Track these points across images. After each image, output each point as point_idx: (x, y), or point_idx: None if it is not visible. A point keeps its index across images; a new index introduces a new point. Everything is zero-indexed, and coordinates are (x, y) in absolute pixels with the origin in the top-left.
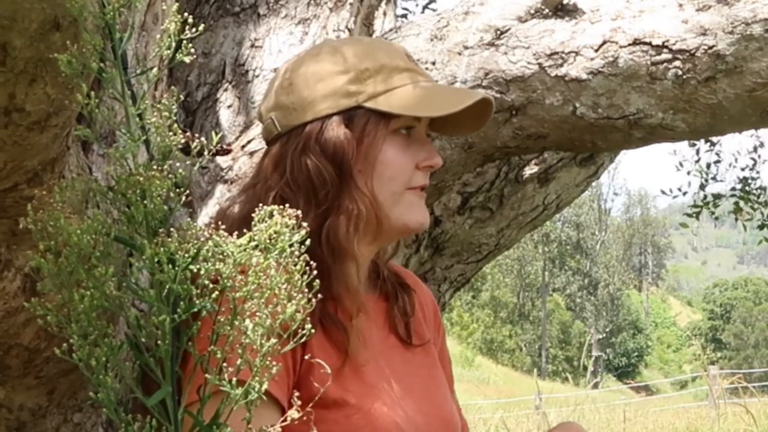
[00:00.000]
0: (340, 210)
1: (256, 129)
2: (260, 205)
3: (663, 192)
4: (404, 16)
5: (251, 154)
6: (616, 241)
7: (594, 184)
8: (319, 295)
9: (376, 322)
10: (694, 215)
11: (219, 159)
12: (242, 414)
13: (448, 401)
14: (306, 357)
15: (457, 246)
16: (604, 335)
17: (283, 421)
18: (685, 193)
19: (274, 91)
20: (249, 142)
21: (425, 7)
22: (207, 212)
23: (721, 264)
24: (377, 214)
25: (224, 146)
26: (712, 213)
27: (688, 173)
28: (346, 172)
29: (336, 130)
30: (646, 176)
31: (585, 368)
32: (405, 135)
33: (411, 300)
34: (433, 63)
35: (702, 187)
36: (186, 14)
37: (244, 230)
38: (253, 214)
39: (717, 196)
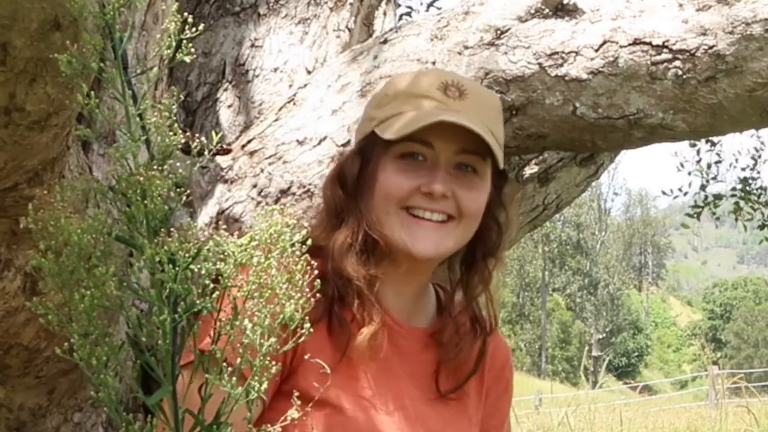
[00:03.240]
0: (342, 229)
1: (256, 128)
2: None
3: (664, 192)
4: (408, 14)
5: (251, 153)
6: (616, 240)
7: (594, 183)
8: (318, 295)
9: (403, 353)
10: (695, 215)
11: (219, 159)
12: (244, 413)
13: None
14: (306, 357)
15: None
16: (604, 335)
17: (283, 421)
18: (686, 194)
19: None
20: (249, 141)
21: (429, 5)
22: (207, 212)
23: (721, 264)
24: (378, 233)
25: (224, 146)
26: (714, 213)
27: (689, 174)
28: (350, 194)
29: (349, 156)
30: (646, 176)
31: (586, 368)
32: (414, 161)
33: (479, 360)
34: (434, 63)
35: (703, 187)
36: (186, 14)
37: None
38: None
39: (718, 196)
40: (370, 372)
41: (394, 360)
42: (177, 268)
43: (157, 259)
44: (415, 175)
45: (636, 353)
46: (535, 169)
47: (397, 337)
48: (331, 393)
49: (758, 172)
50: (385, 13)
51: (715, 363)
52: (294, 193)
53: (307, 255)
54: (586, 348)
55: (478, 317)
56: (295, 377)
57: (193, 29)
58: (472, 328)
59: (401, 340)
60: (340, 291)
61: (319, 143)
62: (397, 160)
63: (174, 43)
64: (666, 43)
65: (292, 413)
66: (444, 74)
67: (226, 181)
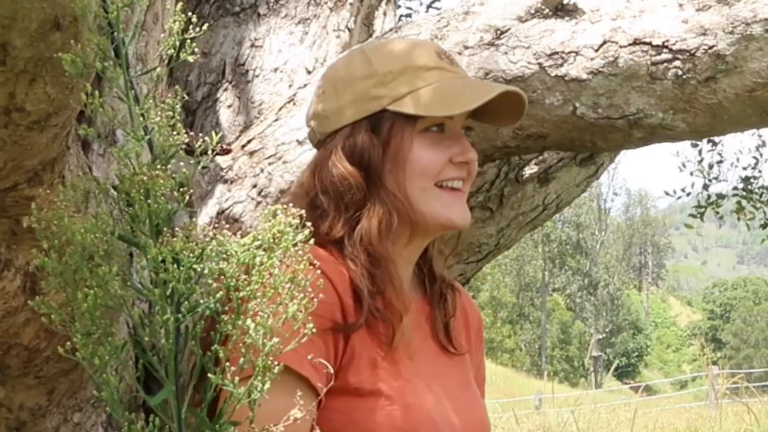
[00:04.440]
0: (371, 213)
1: (256, 128)
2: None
3: (667, 193)
4: (408, 15)
5: (251, 153)
6: (616, 240)
7: (594, 184)
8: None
9: (417, 324)
10: (698, 215)
11: (219, 159)
12: (277, 402)
13: (484, 409)
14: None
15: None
16: (604, 335)
17: (285, 421)
18: (688, 194)
19: (313, 100)
20: (249, 141)
21: (429, 5)
22: (207, 212)
23: (721, 264)
24: (409, 212)
25: (224, 146)
26: (717, 213)
27: (691, 174)
28: (373, 176)
29: (362, 136)
30: (645, 176)
31: (586, 368)
32: (436, 132)
33: (454, 302)
34: None
35: (705, 187)
36: (190, 14)
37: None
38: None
39: (721, 196)
40: (406, 353)
41: (416, 335)
42: (181, 268)
43: (161, 258)
44: (442, 147)
45: (636, 353)
46: (535, 169)
47: (414, 315)
48: (383, 384)
49: (759, 171)
50: (385, 14)
51: (714, 363)
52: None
53: (309, 255)
54: (590, 348)
55: (446, 277)
56: (345, 374)
57: (197, 29)
58: (448, 288)
59: (414, 314)
60: (373, 281)
61: None
62: (421, 135)
63: (177, 43)
64: (666, 43)
65: (295, 413)
66: (430, 44)
67: (226, 181)
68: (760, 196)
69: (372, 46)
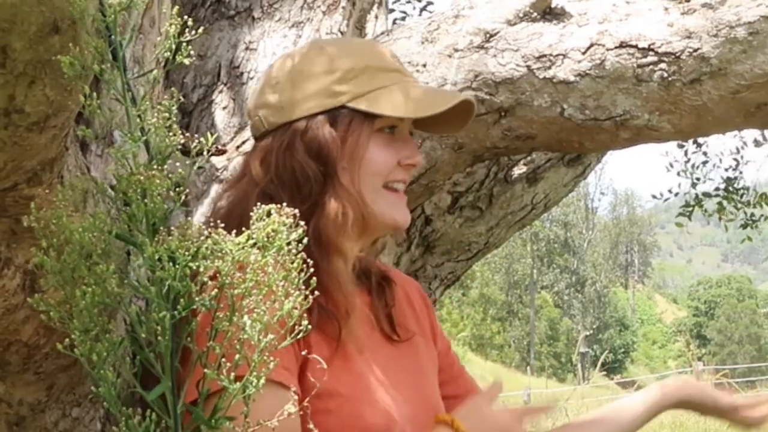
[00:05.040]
0: (326, 207)
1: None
2: (252, 201)
3: (654, 197)
4: (402, 18)
5: (245, 154)
6: (603, 239)
7: (581, 183)
8: (316, 292)
9: (361, 317)
10: (687, 215)
11: (214, 159)
12: (264, 405)
13: (435, 391)
14: (302, 353)
15: (447, 244)
16: (591, 332)
17: (279, 415)
18: (676, 194)
19: (262, 90)
20: (243, 142)
21: (422, 9)
22: (203, 211)
23: (706, 262)
24: (362, 210)
25: (219, 147)
26: (705, 212)
27: (678, 174)
28: (330, 170)
29: (321, 129)
30: (632, 176)
31: (573, 364)
32: (388, 134)
33: (392, 292)
34: (424, 65)
35: (694, 185)
36: (186, 17)
37: (235, 225)
38: (249, 209)
39: (707, 195)
40: (355, 347)
41: (362, 329)
42: (177, 266)
43: (158, 257)
44: (394, 148)
45: (622, 349)
46: (524, 169)
47: (358, 308)
48: (337, 383)
49: (741, 173)
50: (377, 17)
51: (699, 359)
52: None
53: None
54: (578, 344)
55: (381, 269)
56: (304, 374)
57: (192, 32)
58: (384, 280)
59: (359, 307)
60: (319, 278)
61: None
62: (376, 135)
63: (174, 46)
64: (652, 46)
65: (289, 408)
66: (384, 47)
67: (221, 181)
68: (741, 196)
69: (332, 44)
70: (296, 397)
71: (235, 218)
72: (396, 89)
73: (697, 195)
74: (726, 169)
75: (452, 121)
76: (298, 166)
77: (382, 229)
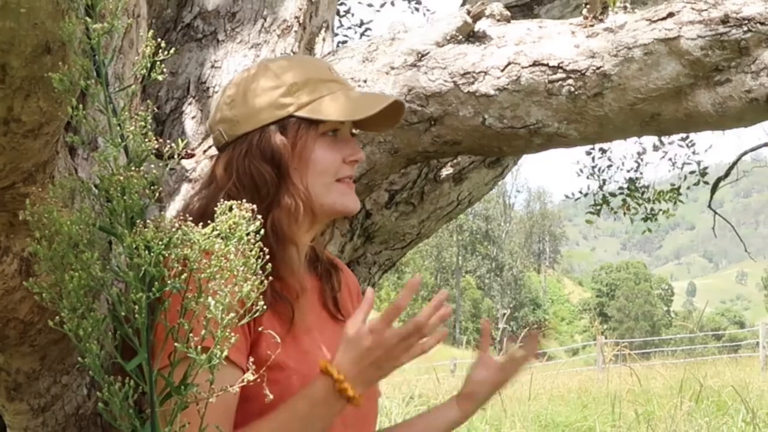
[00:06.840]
0: (281, 204)
1: None
2: (219, 202)
3: (567, 197)
4: (345, 42)
5: (212, 157)
6: (519, 230)
7: (500, 182)
8: (270, 277)
9: (311, 299)
10: (596, 212)
11: (184, 162)
12: (207, 376)
13: None
14: (260, 329)
15: (384, 235)
16: (509, 310)
17: (240, 382)
18: (586, 195)
19: (219, 107)
20: (210, 147)
21: (362, 34)
22: (174, 207)
23: (607, 250)
24: (312, 204)
25: (189, 151)
26: (612, 209)
27: (588, 177)
28: (283, 172)
29: (273, 138)
30: (544, 176)
31: (494, 338)
32: (332, 136)
33: (339, 278)
34: (365, 81)
35: (601, 187)
36: (159, 40)
37: (205, 222)
38: (215, 209)
39: (612, 194)
40: (303, 327)
41: (311, 310)
42: (152, 254)
43: (135, 246)
44: (337, 148)
45: (535, 325)
46: (451, 170)
47: (309, 291)
48: (287, 357)
49: (641, 173)
50: (324, 40)
51: (602, 334)
52: None
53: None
54: (501, 320)
55: (329, 257)
56: (256, 349)
57: (165, 52)
58: (332, 267)
59: (308, 290)
60: (274, 264)
61: None
62: (322, 138)
63: (149, 64)
64: (561, 65)
65: (248, 376)
66: (323, 61)
67: (190, 181)
68: (642, 194)
69: (276, 62)
70: (244, 374)
71: (205, 217)
72: (335, 97)
73: (603, 195)
74: (629, 171)
75: (386, 120)
76: (255, 171)
77: (334, 215)
